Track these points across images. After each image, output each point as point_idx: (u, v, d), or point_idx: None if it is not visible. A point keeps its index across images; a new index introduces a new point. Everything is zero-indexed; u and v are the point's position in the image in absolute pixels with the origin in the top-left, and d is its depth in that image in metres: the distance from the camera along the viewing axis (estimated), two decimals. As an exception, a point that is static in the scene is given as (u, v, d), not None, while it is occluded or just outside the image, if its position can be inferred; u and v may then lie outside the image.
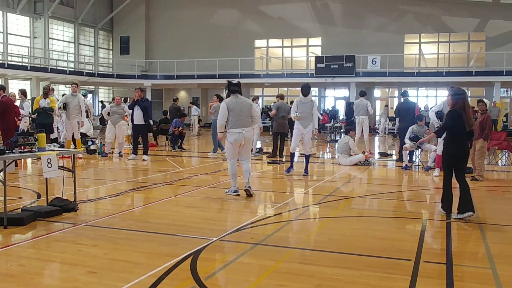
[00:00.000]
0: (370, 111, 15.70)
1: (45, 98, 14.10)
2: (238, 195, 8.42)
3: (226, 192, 8.63)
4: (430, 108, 16.84)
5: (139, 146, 14.64)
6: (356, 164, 13.30)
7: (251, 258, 5.15)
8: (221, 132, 8.74)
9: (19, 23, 32.29)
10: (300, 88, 11.36)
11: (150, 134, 17.51)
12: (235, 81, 8.46)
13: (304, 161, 11.53)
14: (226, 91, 8.58)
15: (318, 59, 31.32)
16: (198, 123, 29.02)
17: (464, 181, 7.12)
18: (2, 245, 5.52)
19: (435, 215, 7.53)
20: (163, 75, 34.76)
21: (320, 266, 4.86)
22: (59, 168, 6.93)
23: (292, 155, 11.67)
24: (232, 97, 8.34)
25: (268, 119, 29.68)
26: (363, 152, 14.41)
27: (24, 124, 15.28)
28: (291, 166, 11.68)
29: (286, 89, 33.49)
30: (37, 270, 4.72)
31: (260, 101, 22.70)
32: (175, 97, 25.37)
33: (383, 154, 16.71)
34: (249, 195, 8.45)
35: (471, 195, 7.11)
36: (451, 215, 7.16)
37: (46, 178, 7.33)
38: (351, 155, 13.51)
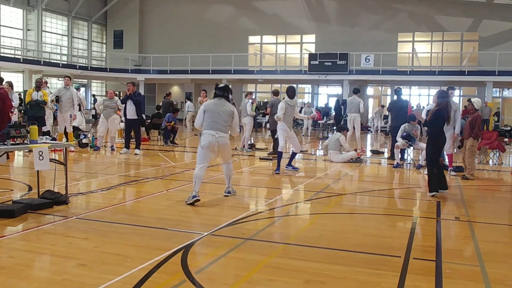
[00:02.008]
0: (361, 109, 15.73)
1: (37, 91, 14.04)
2: (198, 200, 7.37)
3: (186, 201, 7.45)
4: (423, 108, 16.90)
5: (131, 140, 14.61)
6: (348, 162, 13.35)
7: (241, 253, 5.17)
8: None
9: (12, 15, 32.10)
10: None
11: (143, 129, 17.48)
12: (221, 85, 8.07)
13: (290, 156, 11.60)
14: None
15: (311, 56, 31.37)
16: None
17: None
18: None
19: (425, 213, 7.59)
20: (156, 69, 34.68)
21: (310, 262, 4.88)
22: (50, 161, 6.91)
23: (280, 154, 11.25)
24: (214, 100, 7.89)
25: (261, 115, 29.80)
26: (355, 150, 14.47)
27: (14, 116, 15.21)
28: (279, 166, 11.16)
29: (279, 85, 33.47)
30: (27, 262, 4.71)
31: (253, 96, 22.69)
32: (168, 91, 25.31)
33: (375, 152, 16.77)
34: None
35: (461, 193, 7.19)
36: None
37: (38, 171, 7.31)
38: (342, 152, 13.55)
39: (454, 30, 31.33)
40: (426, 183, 8.98)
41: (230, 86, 8.17)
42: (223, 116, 7.71)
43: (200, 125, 7.82)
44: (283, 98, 11.38)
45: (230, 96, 8.13)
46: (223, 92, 7.89)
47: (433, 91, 32.76)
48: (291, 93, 11.10)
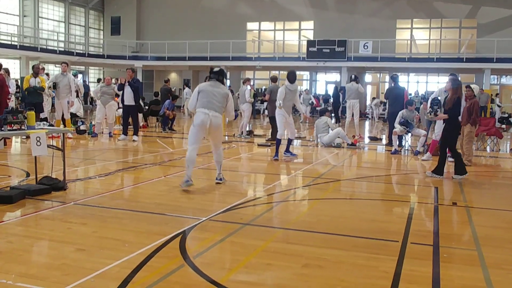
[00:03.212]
0: (361, 90, 15.75)
1: (35, 77, 13.98)
2: (191, 185, 7.32)
3: (180, 185, 7.41)
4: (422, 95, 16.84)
5: (129, 127, 14.58)
6: (339, 147, 13.43)
7: (240, 237, 5.18)
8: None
9: (8, 1, 31.83)
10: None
11: (141, 115, 17.44)
12: (216, 68, 7.92)
13: (287, 142, 11.37)
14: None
15: (310, 43, 31.23)
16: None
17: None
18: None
19: (423, 198, 7.61)
20: (154, 56, 34.52)
21: (308, 246, 4.90)
22: (48, 147, 6.91)
23: (279, 141, 10.99)
24: (209, 82, 7.80)
25: (259, 102, 29.77)
26: (353, 136, 14.48)
27: (11, 103, 15.18)
28: (277, 152, 10.96)
29: (277, 72, 33.37)
30: (25, 247, 4.72)
31: (252, 83, 22.64)
32: (166, 78, 25.24)
33: (373, 139, 16.77)
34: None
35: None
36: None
37: (35, 157, 7.29)
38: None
39: (452, 17, 31.21)
40: (424, 170, 9.00)
41: (226, 71, 8.04)
42: (217, 97, 7.54)
43: (194, 107, 7.60)
44: (282, 85, 11.16)
45: (225, 80, 7.98)
46: (218, 76, 7.78)
47: (432, 78, 32.81)
48: (292, 77, 10.85)
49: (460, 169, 9.05)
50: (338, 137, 13.71)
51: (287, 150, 11.31)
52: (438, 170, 9.09)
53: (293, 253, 4.69)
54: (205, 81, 7.84)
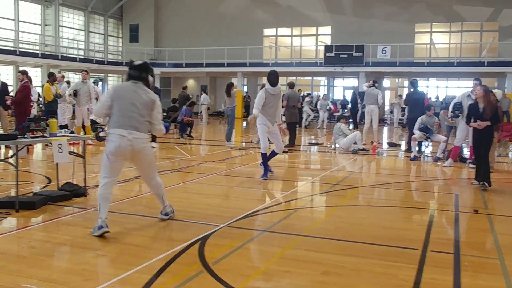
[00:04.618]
0: (379, 101, 15.58)
1: (53, 85, 14.18)
2: (106, 232, 5.23)
3: (91, 233, 5.29)
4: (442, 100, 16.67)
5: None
6: (355, 152, 13.41)
7: (258, 244, 5.19)
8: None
9: (30, 11, 32.35)
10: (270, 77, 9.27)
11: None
12: (138, 62, 5.74)
13: (269, 154, 9.49)
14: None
15: (327, 48, 31.16)
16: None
17: None
18: (14, 228, 5.60)
19: (443, 205, 7.54)
20: (171, 63, 34.74)
21: (327, 254, 4.89)
22: (69, 154, 6.99)
23: (265, 156, 9.29)
24: (128, 84, 5.57)
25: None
26: (371, 142, 14.43)
27: (33, 110, 15.40)
28: (266, 169, 9.32)
29: (294, 78, 33.34)
30: (47, 252, 4.79)
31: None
32: (184, 85, 25.38)
33: (392, 145, 16.67)
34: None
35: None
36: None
37: (57, 164, 7.39)
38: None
39: (473, 20, 30.91)
40: (444, 176, 8.90)
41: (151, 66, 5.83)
42: (139, 109, 5.39)
43: (101, 115, 5.70)
44: (263, 87, 9.40)
45: (151, 78, 5.70)
46: (140, 73, 5.58)
47: (452, 83, 32.50)
48: (273, 79, 9.11)
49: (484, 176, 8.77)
50: (355, 142, 13.74)
51: (264, 163, 9.40)
52: (486, 179, 8.62)
53: (312, 260, 4.68)
54: (128, 80, 5.61)
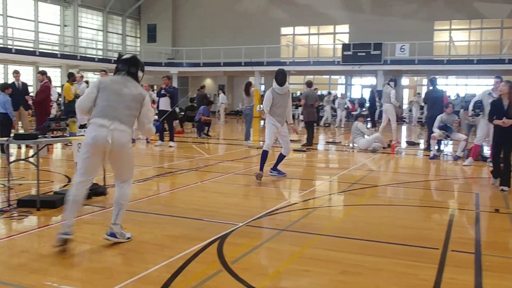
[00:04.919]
0: (391, 100, 15.10)
1: (72, 85, 14.32)
2: (68, 240, 4.70)
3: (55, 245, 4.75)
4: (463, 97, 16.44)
5: (165, 133, 14.77)
6: (375, 151, 13.34)
7: (276, 243, 5.19)
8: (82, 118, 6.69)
9: (49, 12, 32.69)
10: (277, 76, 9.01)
11: (176, 121, 17.64)
12: (127, 55, 5.27)
13: (277, 158, 9.40)
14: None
15: (345, 47, 31.01)
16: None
17: None
18: (35, 226, 5.67)
19: (463, 204, 7.47)
20: (189, 62, 34.86)
21: (346, 253, 4.87)
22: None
23: (266, 154, 8.99)
24: (116, 76, 5.10)
25: (294, 107, 29.76)
26: (390, 141, 14.32)
27: (53, 110, 15.57)
28: (262, 167, 8.89)
29: (312, 77, 33.26)
30: (68, 251, 4.82)
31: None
32: (201, 84, 25.46)
33: (411, 143, 16.54)
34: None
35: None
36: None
37: (77, 163, 7.44)
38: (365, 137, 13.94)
39: (493, 17, 30.52)
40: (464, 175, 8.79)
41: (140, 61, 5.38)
42: (126, 100, 4.91)
43: (84, 108, 4.99)
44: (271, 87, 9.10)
45: (140, 73, 5.24)
46: (129, 67, 5.10)
47: (472, 81, 32.12)
48: (281, 78, 8.88)
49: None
50: (376, 141, 13.68)
51: (274, 168, 9.37)
52: (507, 182, 8.38)
53: (331, 259, 4.67)
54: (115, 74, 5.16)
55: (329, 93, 28.90)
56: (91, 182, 5.00)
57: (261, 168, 8.80)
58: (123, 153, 4.89)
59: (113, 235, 4.98)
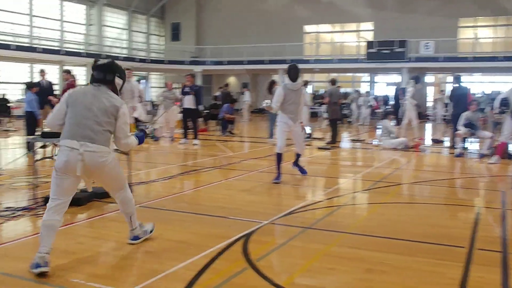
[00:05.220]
0: (407, 97, 14.68)
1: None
2: (44, 272, 4.10)
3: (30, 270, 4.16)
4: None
5: (189, 131, 14.85)
6: (397, 149, 13.32)
7: (301, 241, 5.19)
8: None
9: (74, 11, 33.11)
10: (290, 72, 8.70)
11: (200, 119, 17.73)
12: (102, 61, 4.72)
13: (295, 157, 9.20)
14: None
15: (369, 44, 30.80)
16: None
17: None
18: (61, 224, 5.74)
19: (489, 202, 7.38)
20: (213, 61, 34.97)
21: (371, 251, 4.85)
22: (114, 151, 7.12)
23: (280, 157, 8.63)
24: (88, 86, 4.61)
25: (318, 105, 29.68)
26: (413, 139, 14.20)
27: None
28: (279, 173, 8.59)
29: (336, 74, 33.09)
30: (95, 248, 4.90)
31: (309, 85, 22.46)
32: (225, 82, 25.52)
33: (436, 141, 16.36)
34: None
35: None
36: None
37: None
38: (393, 138, 13.83)
39: (519, 14, 30.03)
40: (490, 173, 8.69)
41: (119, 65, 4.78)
42: (96, 115, 4.39)
43: (54, 126, 4.59)
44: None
45: (119, 80, 4.64)
46: (104, 75, 4.56)
47: (498, 77, 31.62)
48: (293, 73, 8.53)
49: None
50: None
51: (295, 164, 9.21)
52: None
53: (355, 257, 4.66)
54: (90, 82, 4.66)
55: (357, 91, 28.50)
56: (68, 205, 4.52)
57: (278, 175, 8.50)
58: (102, 173, 4.50)
59: (135, 238, 4.96)
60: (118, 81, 4.62)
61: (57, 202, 4.38)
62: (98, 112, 4.38)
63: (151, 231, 5.12)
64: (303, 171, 9.13)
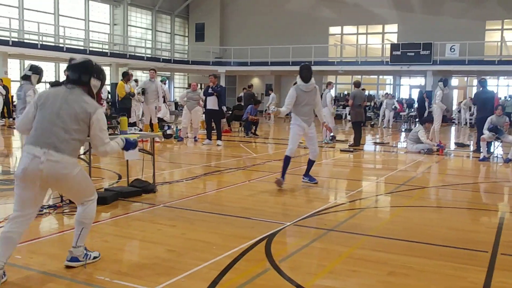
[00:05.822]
0: (436, 101, 14.63)
1: (127, 84, 14.68)
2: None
3: None
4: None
5: (212, 131, 14.94)
6: (421, 152, 13.18)
7: (324, 243, 5.21)
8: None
9: (99, 11, 33.54)
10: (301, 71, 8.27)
11: (224, 120, 17.82)
12: (77, 60, 4.27)
13: (308, 164, 8.64)
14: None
15: (393, 47, 30.58)
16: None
17: None
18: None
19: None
20: (237, 61, 35.05)
21: (393, 254, 4.85)
22: (139, 151, 7.24)
23: (288, 160, 8.20)
24: (60, 88, 4.20)
25: (342, 107, 29.62)
26: (440, 143, 14.08)
27: (103, 108, 16.03)
28: (283, 175, 8.17)
29: (360, 76, 32.93)
30: (119, 246, 4.99)
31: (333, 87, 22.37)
32: (249, 83, 25.58)
33: (460, 145, 16.20)
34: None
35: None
36: None
37: (127, 160, 7.67)
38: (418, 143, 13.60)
39: (548, 16, 29.54)
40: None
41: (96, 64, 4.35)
42: (64, 121, 3.98)
43: (24, 130, 4.20)
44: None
45: (95, 82, 4.26)
46: (79, 75, 4.17)
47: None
48: (306, 73, 8.09)
49: None
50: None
51: (306, 174, 8.62)
52: None
53: (378, 260, 4.66)
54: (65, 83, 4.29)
55: (387, 94, 28.23)
56: (33, 217, 4.05)
57: (283, 175, 8.12)
58: (64, 185, 4.09)
59: (74, 259, 4.28)
60: (94, 82, 4.23)
61: (16, 214, 3.95)
62: (67, 119, 3.98)
63: (94, 258, 4.41)
64: (312, 179, 8.54)
